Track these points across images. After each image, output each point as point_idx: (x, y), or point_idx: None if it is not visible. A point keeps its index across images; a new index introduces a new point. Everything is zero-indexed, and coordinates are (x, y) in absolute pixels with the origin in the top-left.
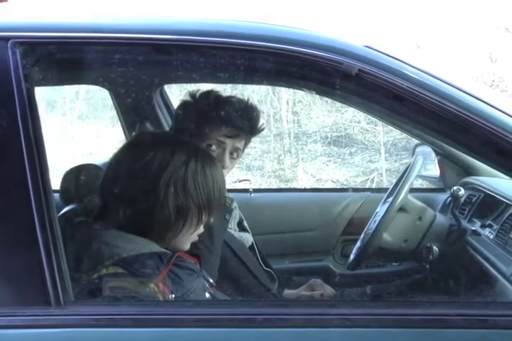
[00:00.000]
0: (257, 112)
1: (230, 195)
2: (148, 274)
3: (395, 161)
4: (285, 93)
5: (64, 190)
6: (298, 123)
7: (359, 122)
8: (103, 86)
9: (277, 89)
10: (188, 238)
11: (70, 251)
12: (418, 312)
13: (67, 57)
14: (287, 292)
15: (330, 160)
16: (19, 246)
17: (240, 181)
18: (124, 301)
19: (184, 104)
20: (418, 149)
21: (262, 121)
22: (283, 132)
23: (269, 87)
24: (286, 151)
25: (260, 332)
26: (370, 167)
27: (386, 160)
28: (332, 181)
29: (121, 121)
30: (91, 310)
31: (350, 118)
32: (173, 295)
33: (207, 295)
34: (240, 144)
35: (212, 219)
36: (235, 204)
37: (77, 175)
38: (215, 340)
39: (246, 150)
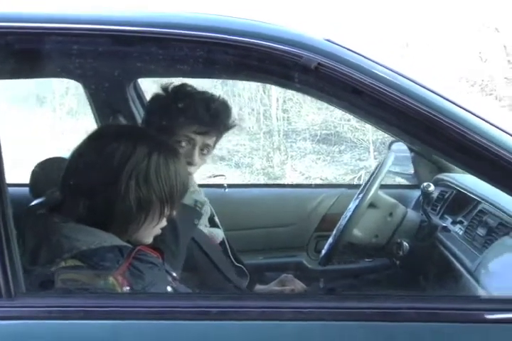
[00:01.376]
0: (228, 109)
1: (203, 197)
2: (108, 267)
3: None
4: (275, 91)
5: (32, 183)
6: (288, 120)
7: (349, 120)
8: (76, 79)
9: (268, 86)
10: (151, 231)
11: (29, 243)
12: (370, 305)
13: (32, 49)
14: (258, 287)
15: (319, 158)
16: None
17: (214, 176)
18: (76, 293)
19: (155, 98)
20: (394, 146)
21: (232, 118)
22: (272, 129)
23: (259, 84)
24: (275, 149)
25: (214, 325)
26: (359, 165)
27: (375, 159)
28: (321, 179)
29: (94, 115)
30: (42, 302)
31: (340, 116)
32: (128, 288)
33: (169, 288)
34: (210, 141)
35: (174, 213)
36: (205, 208)
37: (44, 169)
38: (168, 333)
39: (235, 148)
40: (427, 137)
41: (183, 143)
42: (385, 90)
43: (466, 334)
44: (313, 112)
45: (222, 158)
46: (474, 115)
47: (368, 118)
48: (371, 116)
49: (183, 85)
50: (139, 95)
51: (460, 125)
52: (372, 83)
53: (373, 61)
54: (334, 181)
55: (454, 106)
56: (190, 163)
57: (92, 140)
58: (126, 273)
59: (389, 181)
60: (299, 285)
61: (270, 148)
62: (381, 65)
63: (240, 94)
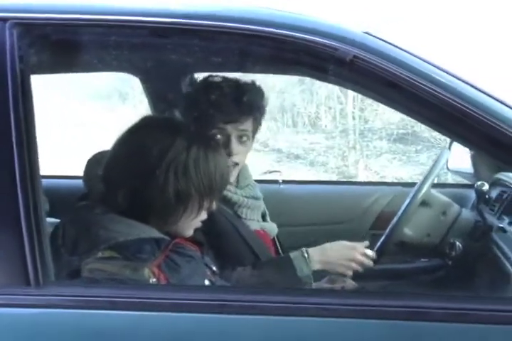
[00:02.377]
0: (252, 91)
1: (258, 192)
2: (144, 259)
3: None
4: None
5: (84, 175)
6: (364, 119)
7: None
8: (134, 74)
9: None
10: (190, 224)
11: (71, 234)
12: (397, 303)
13: (91, 42)
14: None
15: (395, 158)
16: (1, 227)
17: (270, 172)
18: (103, 283)
19: (188, 92)
20: (455, 144)
21: (261, 99)
22: (348, 128)
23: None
24: (350, 147)
25: (234, 319)
26: None
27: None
28: (396, 179)
29: (151, 110)
30: (69, 291)
31: None
32: (162, 280)
33: (206, 282)
34: (244, 126)
35: (215, 206)
36: (259, 203)
37: (95, 161)
38: (191, 325)
39: (311, 146)
40: (464, 133)
41: (218, 136)
42: (422, 84)
43: (496, 336)
44: (389, 111)
45: (297, 157)
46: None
47: (406, 112)
48: (408, 111)
49: (207, 77)
50: None
51: (499, 120)
52: (408, 77)
53: (413, 55)
54: (410, 181)
55: (494, 101)
56: (229, 154)
57: (132, 132)
58: (162, 265)
59: (448, 180)
60: (349, 284)
61: (345, 146)
62: (421, 59)
63: (317, 93)
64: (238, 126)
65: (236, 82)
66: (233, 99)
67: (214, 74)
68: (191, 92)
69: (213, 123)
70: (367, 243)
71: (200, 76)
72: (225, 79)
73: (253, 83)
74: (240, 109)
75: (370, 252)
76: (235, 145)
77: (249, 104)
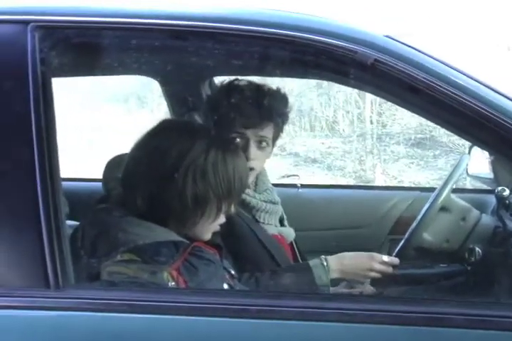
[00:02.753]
0: (275, 97)
1: (275, 196)
2: (162, 262)
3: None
4: (370, 93)
5: (104, 178)
6: (381, 124)
7: None
8: (153, 77)
9: None
10: (209, 227)
11: (91, 237)
12: (418, 309)
13: (109, 45)
14: None
15: (412, 163)
16: (22, 229)
17: (288, 176)
18: (122, 286)
19: (211, 95)
20: (474, 149)
21: (285, 105)
22: (366, 133)
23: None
24: (368, 152)
25: (253, 323)
26: None
27: None
28: (414, 184)
29: (170, 113)
30: (88, 294)
31: None
32: (180, 283)
33: (225, 286)
34: (264, 132)
35: (233, 209)
36: (277, 208)
37: (115, 164)
38: (208, 329)
39: (328, 150)
40: (484, 136)
41: (238, 139)
42: (443, 87)
43: None
44: (408, 115)
45: (314, 161)
46: None
47: (426, 116)
48: (429, 114)
49: (233, 80)
50: None
51: None
52: (429, 80)
53: (434, 58)
54: (427, 186)
55: None
56: (247, 159)
57: (150, 135)
58: (181, 269)
59: (468, 186)
60: (368, 289)
61: (363, 151)
62: (442, 63)
63: (335, 97)
64: (258, 132)
65: (259, 88)
66: (255, 104)
67: (240, 77)
68: (214, 95)
69: (233, 127)
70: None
71: (223, 79)
72: (249, 84)
73: (277, 90)
74: (260, 115)
75: (387, 259)
76: (253, 150)
77: (270, 110)
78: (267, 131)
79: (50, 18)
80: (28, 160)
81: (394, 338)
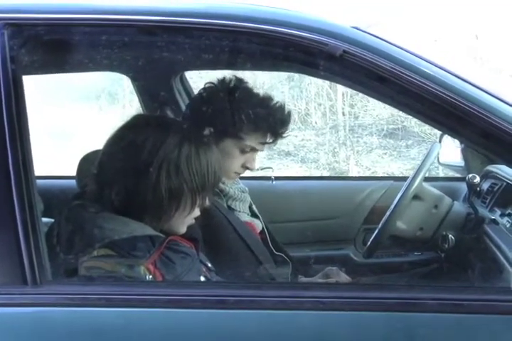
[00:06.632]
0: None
1: (242, 185)
2: (139, 256)
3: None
4: (341, 86)
5: (77, 175)
6: (354, 115)
7: None
8: (124, 73)
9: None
10: (184, 221)
11: (66, 233)
12: (392, 295)
13: (79, 42)
14: (302, 279)
15: (385, 153)
16: None
17: (261, 169)
18: (99, 281)
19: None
20: (445, 137)
21: (272, 116)
22: (338, 124)
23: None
24: (341, 144)
25: (231, 314)
26: None
27: None
28: (387, 174)
29: (142, 108)
30: (66, 290)
31: None
32: (151, 276)
33: (202, 278)
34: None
35: (207, 202)
36: (246, 196)
37: (88, 161)
38: (186, 321)
39: (301, 143)
40: (454, 125)
41: (247, 151)
42: (411, 77)
43: (490, 325)
44: (379, 106)
45: (288, 154)
46: (503, 101)
47: (397, 106)
48: (399, 104)
49: (250, 93)
50: (186, 88)
51: (487, 111)
52: (397, 70)
53: (401, 48)
54: (401, 176)
55: (483, 93)
56: (250, 168)
57: (124, 130)
58: (158, 263)
59: (440, 174)
60: (343, 278)
61: (336, 143)
62: (409, 52)
63: (306, 89)
64: (240, 142)
65: (282, 106)
66: (282, 123)
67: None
68: (200, 97)
69: (252, 141)
70: None
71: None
72: (269, 98)
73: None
74: (281, 133)
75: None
76: (256, 161)
77: (285, 130)
78: (250, 141)
79: (20, 15)
80: (2, 159)
81: (370, 324)
